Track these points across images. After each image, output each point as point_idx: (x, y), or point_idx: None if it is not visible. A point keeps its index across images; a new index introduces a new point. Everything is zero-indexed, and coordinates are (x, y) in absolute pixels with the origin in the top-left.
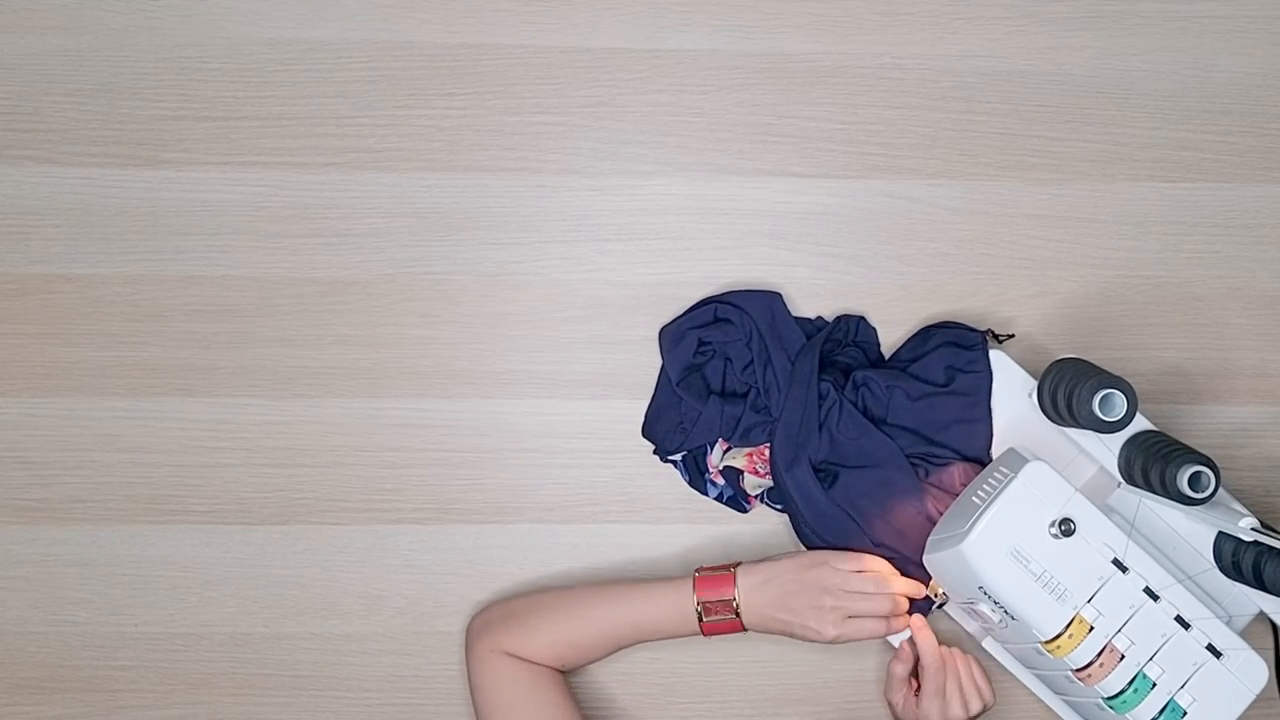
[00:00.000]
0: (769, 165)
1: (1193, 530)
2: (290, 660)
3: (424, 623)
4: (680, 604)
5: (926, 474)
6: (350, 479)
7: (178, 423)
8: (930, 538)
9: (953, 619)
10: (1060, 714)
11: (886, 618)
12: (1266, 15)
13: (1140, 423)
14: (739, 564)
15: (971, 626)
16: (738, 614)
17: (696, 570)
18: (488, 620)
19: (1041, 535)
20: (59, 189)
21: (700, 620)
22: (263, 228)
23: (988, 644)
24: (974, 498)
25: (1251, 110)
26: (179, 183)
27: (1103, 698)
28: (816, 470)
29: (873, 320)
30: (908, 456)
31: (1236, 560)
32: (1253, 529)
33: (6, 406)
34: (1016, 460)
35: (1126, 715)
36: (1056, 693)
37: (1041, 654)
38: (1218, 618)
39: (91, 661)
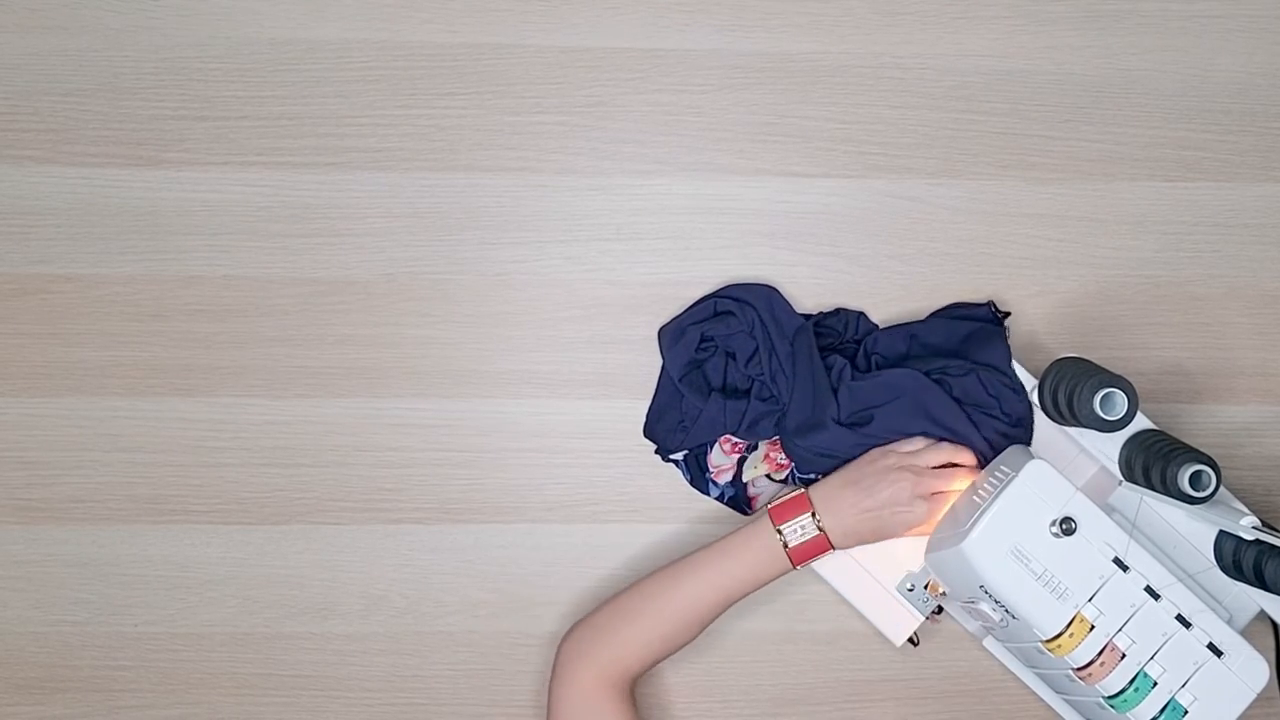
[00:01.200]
0: (769, 165)
1: (1193, 529)
2: (290, 660)
3: (424, 623)
4: (762, 544)
5: (949, 390)
6: (350, 479)
7: (178, 423)
8: (930, 537)
9: (953, 619)
10: (1061, 713)
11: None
12: (1266, 15)
13: (1141, 422)
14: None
15: (972, 626)
16: (821, 529)
17: (767, 506)
18: (578, 642)
19: (1042, 534)
20: (59, 189)
21: (786, 549)
22: (263, 228)
23: (988, 643)
24: (975, 497)
25: (1251, 110)
26: (179, 183)
27: (1103, 697)
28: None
29: (873, 320)
30: (928, 375)
31: (1237, 559)
32: (1254, 528)
33: (6, 406)
34: (1017, 459)
35: (1127, 714)
36: (1057, 692)
37: (1042, 653)
38: (1219, 616)
39: (91, 661)
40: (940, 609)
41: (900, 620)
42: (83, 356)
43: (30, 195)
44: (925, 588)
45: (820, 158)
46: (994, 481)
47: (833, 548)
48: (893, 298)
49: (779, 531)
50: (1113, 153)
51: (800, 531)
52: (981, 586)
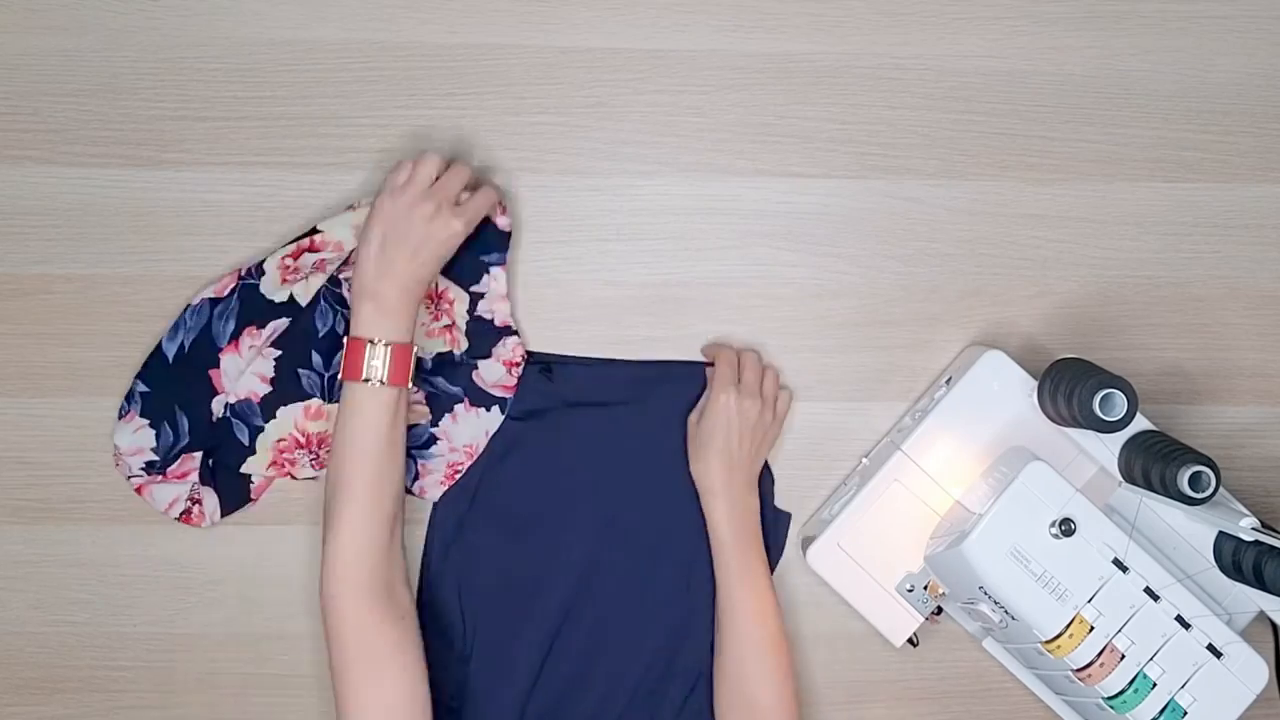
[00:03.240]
0: (769, 165)
1: (1193, 530)
2: (290, 660)
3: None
4: (367, 400)
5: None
6: None
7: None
8: (930, 539)
9: (953, 619)
10: (1060, 714)
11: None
12: (1266, 15)
13: (1140, 423)
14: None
15: (971, 626)
16: (387, 344)
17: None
18: (327, 582)
19: (1042, 535)
20: (59, 189)
21: (385, 384)
22: (263, 228)
23: (988, 644)
24: (974, 498)
25: (1251, 110)
26: (179, 183)
27: (1103, 698)
28: None
29: (872, 320)
30: None
31: (1237, 560)
32: (1253, 529)
33: (6, 406)
34: (1017, 460)
35: (1127, 715)
36: (1057, 693)
37: (1042, 654)
38: (1218, 617)
39: (91, 661)
40: (940, 609)
41: (900, 621)
42: (83, 356)
43: (30, 195)
44: (925, 588)
45: (820, 158)
46: (993, 483)
47: (411, 343)
48: (893, 298)
49: (365, 382)
50: (1113, 153)
51: (378, 364)
52: (981, 587)
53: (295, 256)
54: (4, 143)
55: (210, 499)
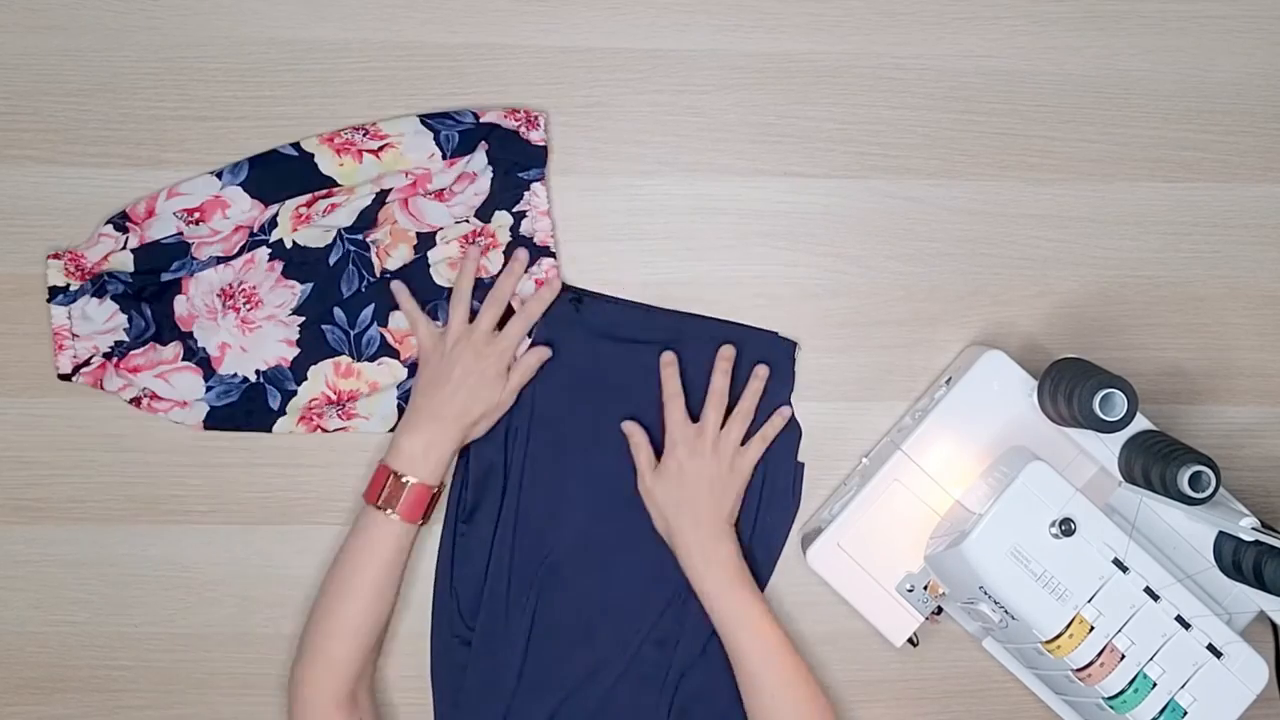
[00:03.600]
0: (769, 165)
1: (1193, 530)
2: (290, 660)
3: (423, 622)
4: (380, 527)
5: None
6: (350, 479)
7: (178, 423)
8: (930, 539)
9: (953, 619)
10: (1060, 714)
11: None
12: (1266, 15)
13: (1140, 422)
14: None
15: (971, 626)
16: (405, 483)
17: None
18: (300, 685)
19: (1042, 535)
20: (59, 189)
21: (397, 510)
22: None
23: (988, 644)
24: (974, 498)
25: (1251, 110)
26: None
27: (1103, 698)
28: None
29: (872, 320)
30: None
31: (1237, 560)
32: (1253, 529)
33: (6, 406)
34: (1017, 460)
35: (1127, 715)
36: (1057, 693)
37: (1042, 654)
38: (1218, 617)
39: (91, 661)
40: (940, 609)
41: (900, 621)
42: None
43: (30, 195)
44: (925, 588)
45: (820, 158)
46: (993, 483)
47: (435, 487)
48: (893, 298)
49: (379, 509)
50: (1113, 153)
51: (398, 498)
52: (981, 587)
53: (309, 205)
54: (4, 143)
55: (195, 408)
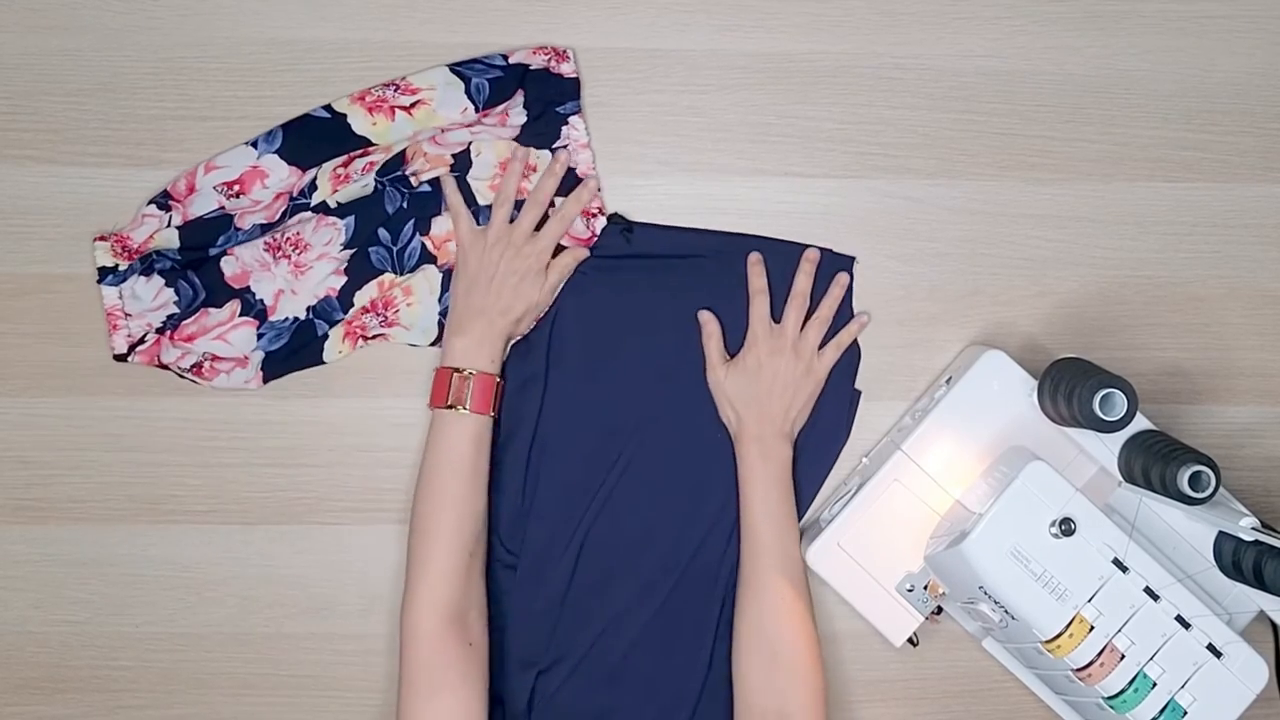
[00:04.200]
0: (769, 165)
1: (1193, 530)
2: (290, 660)
3: None
4: (454, 426)
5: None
6: (350, 479)
7: (178, 423)
8: (930, 538)
9: (953, 619)
10: (1060, 714)
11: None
12: (1266, 15)
13: (1140, 422)
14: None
15: (971, 626)
16: (470, 375)
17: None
18: (410, 606)
19: (1042, 535)
20: (59, 189)
21: (470, 412)
22: None
23: (988, 644)
24: (974, 498)
25: (1251, 110)
26: None
27: (1103, 697)
28: None
29: (872, 320)
30: None
31: (1237, 560)
32: (1253, 529)
33: (6, 406)
34: (1017, 460)
35: (1127, 715)
36: (1057, 693)
37: (1042, 654)
38: (1218, 617)
39: (91, 661)
40: (940, 609)
41: (900, 620)
42: (83, 356)
43: (30, 195)
44: (925, 588)
45: (820, 158)
46: (993, 482)
47: (498, 375)
48: (893, 298)
49: (450, 409)
50: (1113, 153)
51: (465, 392)
52: (981, 587)
53: (345, 165)
54: (4, 143)
55: (245, 369)
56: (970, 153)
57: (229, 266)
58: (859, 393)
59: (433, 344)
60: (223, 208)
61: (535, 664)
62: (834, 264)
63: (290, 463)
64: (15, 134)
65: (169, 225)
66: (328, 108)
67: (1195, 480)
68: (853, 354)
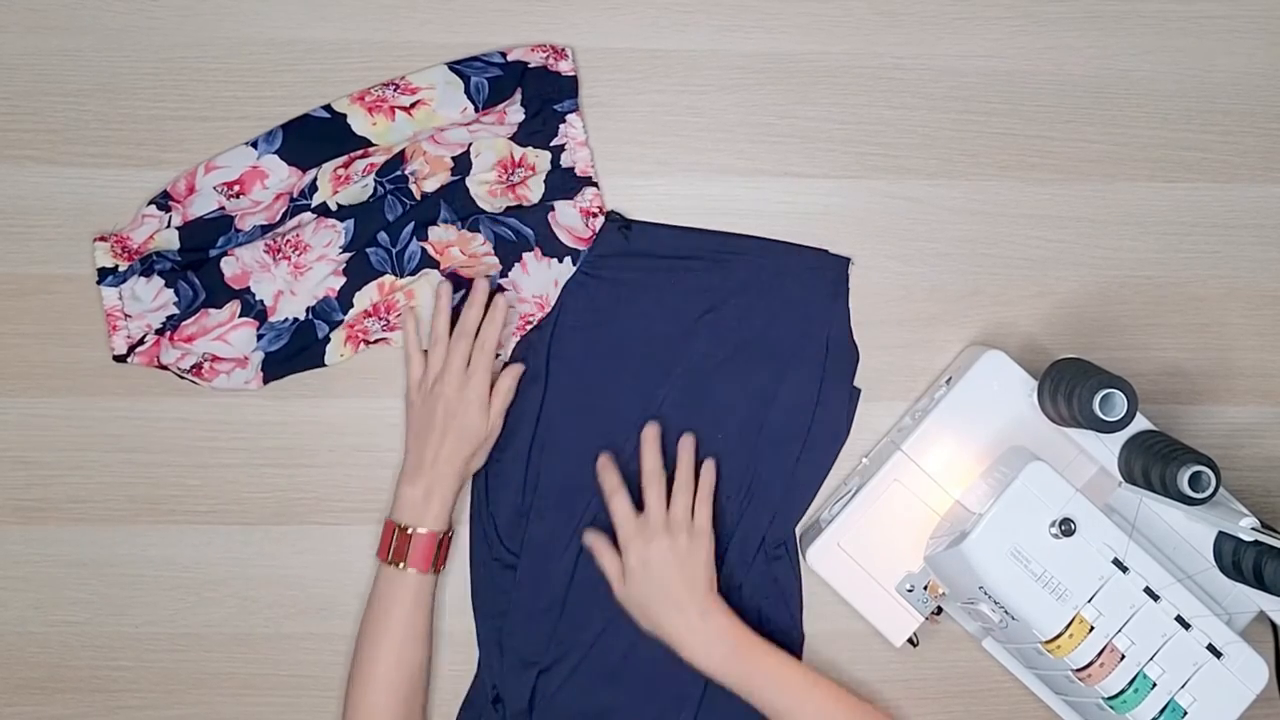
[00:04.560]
0: (769, 165)
1: (1193, 530)
2: (290, 660)
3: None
4: (398, 582)
5: None
6: (350, 479)
7: (178, 423)
8: (930, 539)
9: (953, 619)
10: (1060, 714)
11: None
12: (1266, 15)
13: (1140, 423)
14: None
15: (971, 626)
16: (411, 533)
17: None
18: None
19: (1042, 535)
20: (59, 189)
21: (413, 569)
22: None
23: (988, 644)
24: (974, 498)
25: (1251, 110)
26: None
27: (1103, 698)
28: None
29: (872, 320)
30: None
31: (1237, 560)
32: (1253, 529)
33: (6, 406)
34: (1017, 460)
35: (1127, 715)
36: (1057, 693)
37: (1042, 654)
38: (1218, 617)
39: (91, 661)
40: (940, 609)
41: (900, 621)
42: (83, 356)
43: (30, 195)
44: (925, 588)
45: (820, 158)
46: (993, 483)
47: (443, 531)
48: (893, 298)
49: (392, 565)
50: (1113, 153)
51: (408, 550)
52: (981, 587)
53: (346, 165)
54: (4, 143)
55: (246, 369)
56: (970, 153)
57: (229, 267)
58: (858, 391)
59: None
60: (223, 208)
61: (536, 663)
62: (830, 265)
63: (290, 463)
64: (15, 134)
65: (169, 226)
66: (328, 108)
67: (1195, 480)
68: (851, 354)
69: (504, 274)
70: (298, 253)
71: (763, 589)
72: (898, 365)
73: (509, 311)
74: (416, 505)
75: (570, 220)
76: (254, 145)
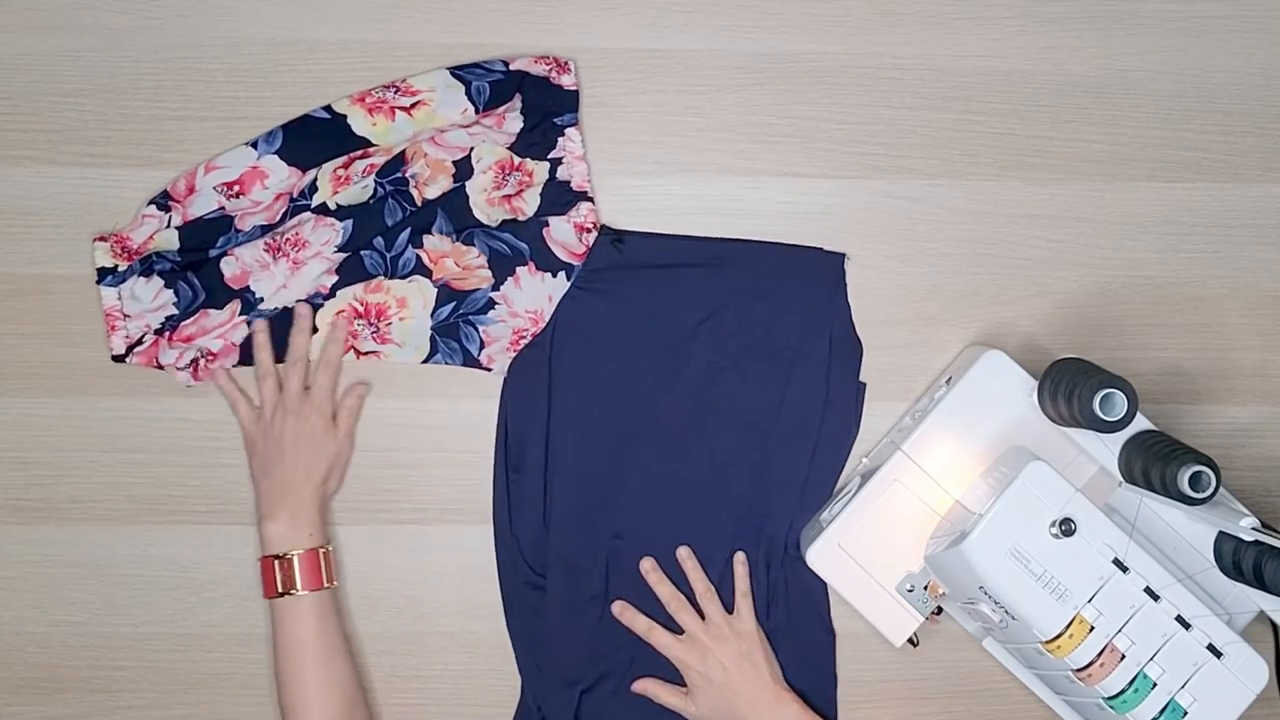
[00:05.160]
0: (769, 165)
1: (1193, 530)
2: None
3: (424, 623)
4: (287, 611)
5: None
6: (350, 479)
7: (178, 423)
8: (930, 539)
9: (953, 619)
10: (1061, 714)
11: None
12: (1266, 15)
13: (1140, 423)
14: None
15: (971, 626)
16: (290, 557)
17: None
18: None
19: (1042, 535)
20: (59, 189)
21: (300, 592)
22: None
23: (988, 644)
24: (974, 498)
25: (1251, 110)
26: None
27: (1103, 698)
28: None
29: (872, 320)
30: None
31: (1237, 560)
32: (1253, 529)
33: (6, 406)
34: (1017, 460)
35: (1127, 715)
36: (1057, 693)
37: (1042, 654)
38: (1218, 617)
39: (91, 661)
40: (940, 610)
41: (900, 621)
42: (83, 356)
43: (30, 195)
44: (925, 588)
45: (820, 158)
46: (993, 483)
47: (321, 545)
48: (893, 298)
49: (283, 597)
50: (1113, 153)
51: (292, 577)
52: (981, 587)
53: (346, 166)
54: (4, 143)
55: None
56: (970, 153)
57: (229, 267)
58: (864, 385)
59: (424, 361)
60: (223, 208)
61: (578, 682)
62: (824, 261)
63: None
64: (15, 134)
65: (169, 226)
66: (328, 108)
67: (1195, 480)
68: (855, 348)
69: (496, 288)
70: (296, 250)
71: (794, 596)
72: (898, 365)
73: (341, 329)
74: (285, 535)
75: (564, 235)
76: (254, 145)
